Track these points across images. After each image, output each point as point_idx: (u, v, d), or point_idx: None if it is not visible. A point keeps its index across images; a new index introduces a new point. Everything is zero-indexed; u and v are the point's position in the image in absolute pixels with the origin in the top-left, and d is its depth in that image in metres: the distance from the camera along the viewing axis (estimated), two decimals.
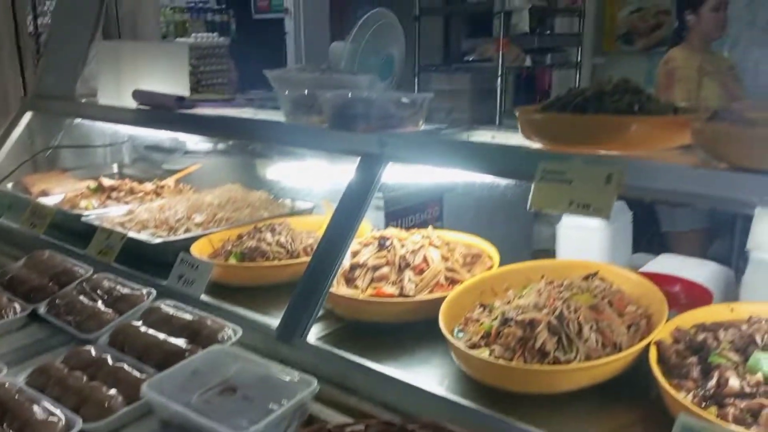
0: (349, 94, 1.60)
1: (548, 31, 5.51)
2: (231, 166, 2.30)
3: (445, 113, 5.25)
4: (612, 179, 1.14)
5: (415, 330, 1.36)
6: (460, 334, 1.28)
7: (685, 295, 1.72)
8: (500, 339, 1.19)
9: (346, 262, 1.49)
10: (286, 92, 1.73)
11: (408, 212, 2.06)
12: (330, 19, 6.90)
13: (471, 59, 5.02)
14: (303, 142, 1.71)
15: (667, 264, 1.99)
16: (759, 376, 1.03)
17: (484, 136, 1.63)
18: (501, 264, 1.57)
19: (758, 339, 1.10)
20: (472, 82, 4.86)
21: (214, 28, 6.81)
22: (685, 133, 1.16)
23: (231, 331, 1.31)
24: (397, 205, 2.00)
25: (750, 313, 1.30)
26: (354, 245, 1.54)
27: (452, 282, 1.48)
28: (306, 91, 1.68)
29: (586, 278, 1.43)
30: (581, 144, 1.26)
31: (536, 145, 1.33)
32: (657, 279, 1.82)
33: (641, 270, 1.91)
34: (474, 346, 1.21)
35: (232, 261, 1.65)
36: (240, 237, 1.75)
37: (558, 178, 1.20)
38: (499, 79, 4.31)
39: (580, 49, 5.07)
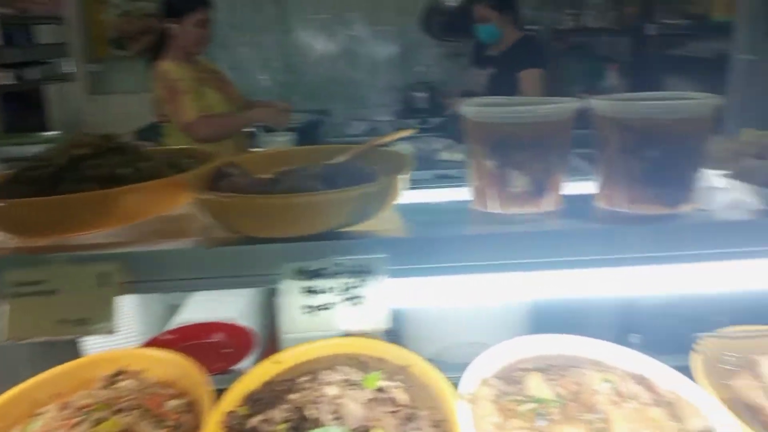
0: None
1: (27, 43, 4.77)
2: None
3: None
4: (108, 280, 0.88)
5: None
6: None
7: (230, 343, 1.61)
8: None
9: None
10: None
11: None
12: None
13: None
14: None
15: (206, 303, 1.83)
16: None
17: None
18: None
19: (310, 411, 1.01)
20: None
21: None
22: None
23: None
24: None
25: (295, 359, 1.22)
26: None
27: None
28: None
29: (112, 382, 1.15)
30: (66, 231, 0.96)
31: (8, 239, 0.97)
32: (198, 330, 1.67)
33: (180, 323, 1.71)
34: None
35: None
36: None
37: (38, 290, 0.88)
38: None
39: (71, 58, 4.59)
